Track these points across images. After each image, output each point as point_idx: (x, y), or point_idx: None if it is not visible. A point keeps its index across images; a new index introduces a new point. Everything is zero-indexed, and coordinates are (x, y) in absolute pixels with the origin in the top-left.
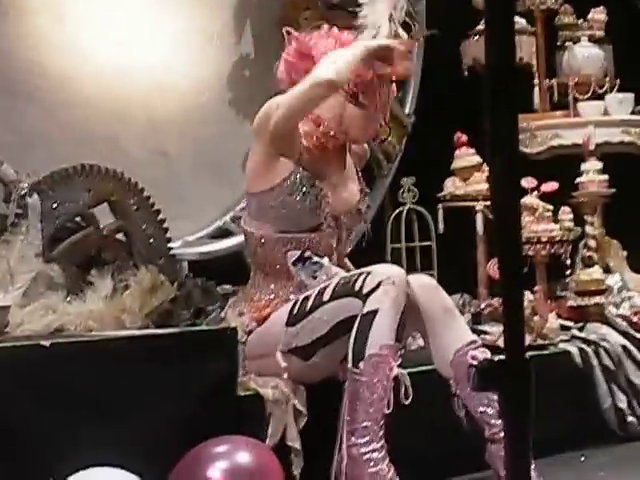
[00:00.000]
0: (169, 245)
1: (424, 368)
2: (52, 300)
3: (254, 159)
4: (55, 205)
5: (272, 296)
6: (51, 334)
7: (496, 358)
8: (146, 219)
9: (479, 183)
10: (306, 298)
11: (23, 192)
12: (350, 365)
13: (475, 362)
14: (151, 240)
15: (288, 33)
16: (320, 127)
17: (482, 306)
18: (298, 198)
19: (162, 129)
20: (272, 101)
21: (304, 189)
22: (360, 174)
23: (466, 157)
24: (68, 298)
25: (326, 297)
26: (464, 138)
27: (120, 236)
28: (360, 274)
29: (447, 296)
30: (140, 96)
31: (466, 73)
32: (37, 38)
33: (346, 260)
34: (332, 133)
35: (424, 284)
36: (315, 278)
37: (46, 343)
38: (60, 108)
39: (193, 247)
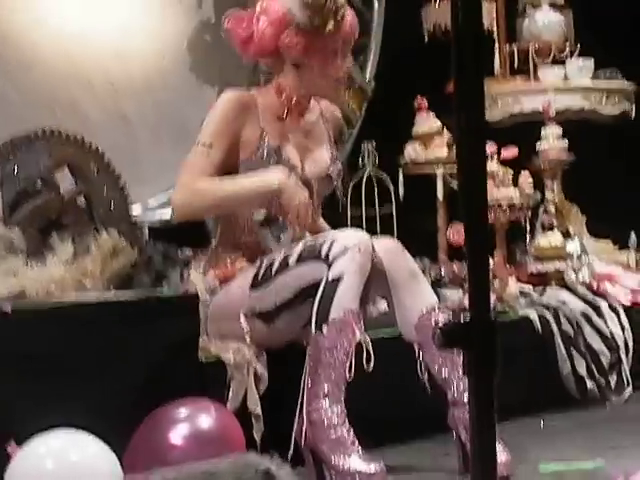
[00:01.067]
0: (130, 210)
1: (386, 334)
2: (13, 264)
3: None
4: (16, 170)
5: (237, 255)
6: (12, 298)
7: (461, 319)
8: (107, 183)
9: (439, 148)
10: (271, 262)
11: None
12: (313, 329)
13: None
14: (112, 204)
15: None
16: (282, 95)
17: (442, 271)
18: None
19: (122, 93)
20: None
21: (271, 161)
22: (332, 140)
23: (427, 122)
24: (29, 262)
25: (291, 261)
26: (425, 103)
27: (81, 201)
28: (326, 239)
29: (412, 260)
30: (100, 60)
31: (427, 38)
32: None
33: (321, 221)
34: (295, 99)
35: (389, 248)
36: (279, 240)
37: (7, 308)
38: (19, 72)
39: (153, 212)
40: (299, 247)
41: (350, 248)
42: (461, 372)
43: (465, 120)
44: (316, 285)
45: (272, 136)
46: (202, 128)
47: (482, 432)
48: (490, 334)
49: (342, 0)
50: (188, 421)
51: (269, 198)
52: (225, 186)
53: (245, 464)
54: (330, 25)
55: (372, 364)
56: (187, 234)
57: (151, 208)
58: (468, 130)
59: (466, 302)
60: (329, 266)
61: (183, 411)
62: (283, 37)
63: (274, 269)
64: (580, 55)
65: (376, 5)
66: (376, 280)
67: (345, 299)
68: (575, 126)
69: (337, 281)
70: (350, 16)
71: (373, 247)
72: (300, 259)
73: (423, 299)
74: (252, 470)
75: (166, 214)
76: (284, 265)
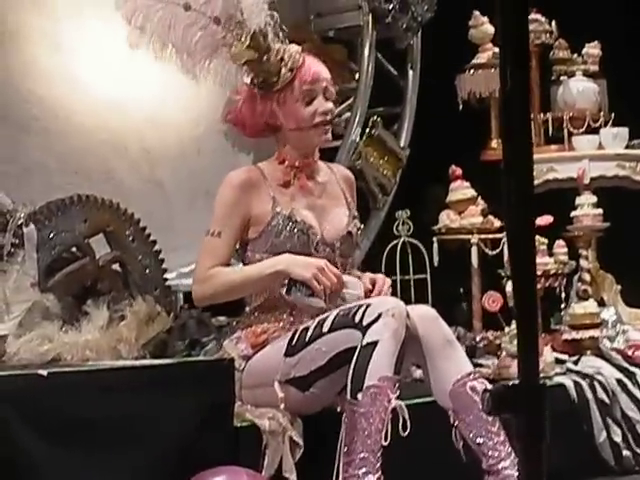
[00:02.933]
0: (165, 276)
1: (422, 400)
2: (48, 330)
3: None
4: (51, 235)
5: (269, 323)
6: (47, 363)
7: (510, 383)
8: (142, 250)
9: (474, 216)
10: (305, 329)
11: (20, 222)
12: (348, 396)
13: (474, 393)
14: (147, 271)
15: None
16: (285, 163)
17: (477, 339)
18: (286, 238)
19: (157, 160)
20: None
21: (288, 227)
22: (349, 199)
23: (461, 190)
24: (64, 328)
25: (325, 328)
26: (459, 171)
27: (116, 267)
28: (360, 306)
29: (447, 327)
30: (135, 127)
31: (461, 106)
32: (35, 68)
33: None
34: (297, 164)
35: (424, 315)
36: (312, 295)
37: (44, 372)
38: (56, 138)
39: (188, 278)
40: (333, 314)
41: (384, 314)
42: (496, 440)
43: (514, 186)
44: (351, 351)
45: (284, 204)
46: (214, 213)
47: None
48: (539, 398)
49: (290, 51)
50: None
51: (280, 279)
52: (233, 276)
53: None
54: (282, 78)
55: (408, 430)
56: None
57: (185, 274)
58: (517, 196)
59: (502, 369)
60: (363, 332)
61: (218, 478)
62: (257, 109)
63: (308, 336)
64: (614, 124)
65: (410, 73)
66: (410, 347)
67: (380, 365)
68: (609, 194)
69: (372, 347)
70: (307, 61)
71: (407, 314)
72: (334, 326)
73: (458, 366)
74: None
75: None
76: (318, 332)
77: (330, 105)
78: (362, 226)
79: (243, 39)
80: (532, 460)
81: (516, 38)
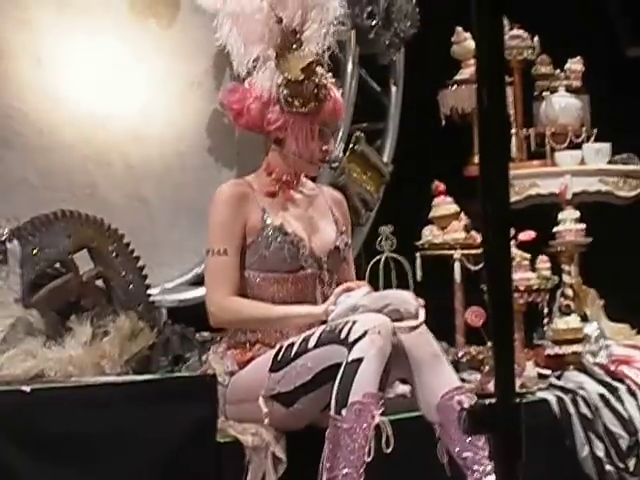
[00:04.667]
0: (148, 292)
1: (405, 415)
2: (31, 345)
3: None
4: (35, 251)
5: (256, 339)
6: (31, 379)
7: (487, 402)
8: (125, 265)
9: (457, 231)
10: (291, 345)
11: (3, 238)
12: (332, 412)
13: (461, 407)
14: (130, 286)
15: None
16: (272, 175)
17: (460, 354)
18: (276, 249)
19: (141, 176)
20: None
21: (278, 239)
22: (337, 216)
23: (444, 206)
24: (47, 344)
25: (311, 344)
26: (442, 187)
27: (99, 282)
28: (346, 322)
29: (434, 341)
30: (119, 142)
31: (443, 122)
32: (17, 84)
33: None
34: (285, 178)
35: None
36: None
37: (27, 388)
38: (40, 154)
39: (172, 294)
40: (319, 330)
41: (370, 331)
42: (481, 454)
43: (489, 203)
44: (336, 368)
45: (273, 215)
46: (208, 232)
47: None
48: (515, 417)
49: (325, 82)
50: None
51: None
52: (259, 313)
53: None
54: (309, 106)
55: (391, 447)
56: (205, 316)
57: (169, 290)
58: (493, 213)
59: (485, 385)
60: (349, 349)
61: None
62: (267, 113)
63: (293, 352)
64: (597, 140)
65: (393, 90)
66: (396, 361)
67: (365, 382)
68: (592, 209)
69: (357, 364)
70: (334, 99)
71: (393, 329)
72: (320, 342)
73: (445, 380)
74: None
75: (185, 296)
76: (304, 348)
77: (332, 146)
78: (350, 241)
79: (299, 56)
80: (509, 478)
81: (493, 56)
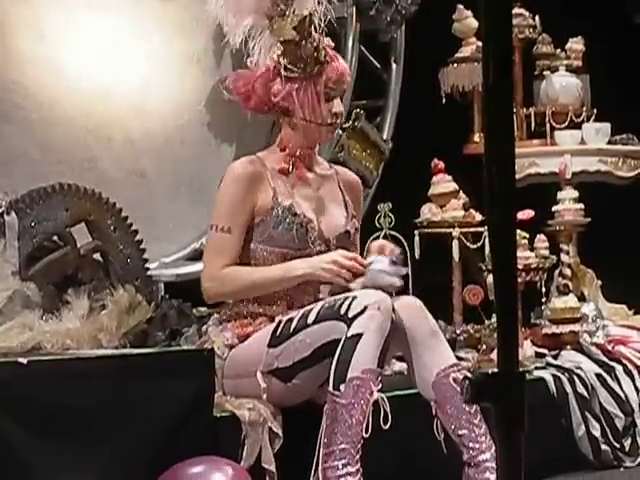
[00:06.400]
0: (146, 266)
1: (401, 393)
2: (28, 318)
3: None
4: (33, 224)
5: (258, 312)
6: (27, 352)
7: (489, 371)
8: (123, 239)
9: (455, 210)
10: (290, 320)
11: (0, 210)
12: (331, 387)
13: (464, 377)
14: (128, 260)
15: None
16: (286, 150)
17: (457, 332)
18: (284, 230)
19: (140, 150)
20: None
21: (287, 220)
22: (347, 200)
23: (443, 184)
24: (44, 317)
25: (310, 319)
26: (441, 165)
27: (97, 256)
28: (346, 298)
29: (432, 318)
30: (118, 116)
31: (444, 100)
32: (18, 57)
33: None
34: (298, 152)
35: (409, 305)
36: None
37: (23, 360)
38: (39, 127)
39: (170, 269)
40: (318, 306)
41: (370, 307)
42: (477, 432)
43: (496, 179)
44: (335, 344)
45: (284, 195)
46: (216, 206)
47: None
48: (518, 387)
49: (324, 43)
50: (203, 479)
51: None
52: (253, 276)
53: None
54: (310, 69)
55: (389, 423)
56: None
57: (167, 264)
58: (498, 191)
59: (482, 363)
60: (348, 325)
61: (197, 469)
62: (271, 87)
63: (292, 327)
64: (597, 119)
65: (394, 67)
66: (394, 338)
67: (364, 358)
68: (591, 189)
69: (356, 340)
70: (337, 60)
71: (393, 306)
72: (319, 317)
73: (442, 357)
74: None
75: (182, 270)
76: (303, 323)
77: (342, 109)
78: (359, 226)
79: (291, 17)
80: (511, 449)
81: (499, 32)
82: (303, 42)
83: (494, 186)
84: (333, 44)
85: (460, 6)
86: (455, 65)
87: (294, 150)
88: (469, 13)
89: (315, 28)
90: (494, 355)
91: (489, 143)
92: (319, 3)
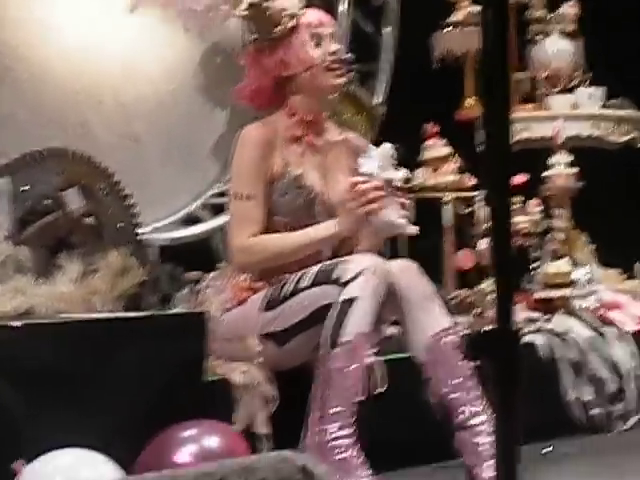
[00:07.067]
0: (138, 230)
1: (393, 356)
2: (21, 283)
3: None
4: (24, 188)
5: (257, 277)
6: (20, 315)
7: (486, 328)
8: (116, 203)
9: (448, 174)
10: (284, 283)
11: None
12: (324, 350)
13: (451, 347)
14: (120, 224)
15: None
16: (295, 116)
17: (449, 297)
18: (291, 198)
19: (132, 113)
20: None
21: (294, 190)
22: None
23: (436, 148)
24: (37, 281)
25: (304, 284)
26: (434, 129)
27: (89, 220)
28: (340, 262)
29: (427, 281)
30: (110, 79)
31: (436, 65)
32: (6, 18)
33: None
34: (308, 117)
35: (405, 268)
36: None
37: (17, 324)
38: (30, 90)
39: (162, 233)
40: (313, 270)
41: (364, 271)
42: (471, 395)
43: (492, 144)
44: (329, 308)
45: (294, 163)
46: (233, 173)
47: (506, 440)
48: (514, 343)
49: (291, 1)
50: (195, 441)
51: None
52: (283, 243)
53: (283, 459)
54: (285, 24)
55: (384, 387)
56: (196, 255)
57: (160, 228)
58: (494, 153)
59: (475, 327)
60: (342, 289)
61: (190, 432)
62: (265, 64)
63: (287, 291)
64: (592, 84)
65: (386, 30)
66: (390, 302)
67: (358, 322)
68: (584, 154)
69: (350, 304)
70: (314, 10)
71: (388, 269)
72: (313, 282)
73: (437, 320)
74: (290, 465)
75: (177, 234)
76: (297, 287)
77: (338, 46)
78: None
79: None
80: (506, 405)
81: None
82: (265, 4)
83: (490, 150)
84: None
85: None
86: (448, 30)
87: (304, 114)
88: None
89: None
90: (486, 319)
91: (486, 108)
92: None
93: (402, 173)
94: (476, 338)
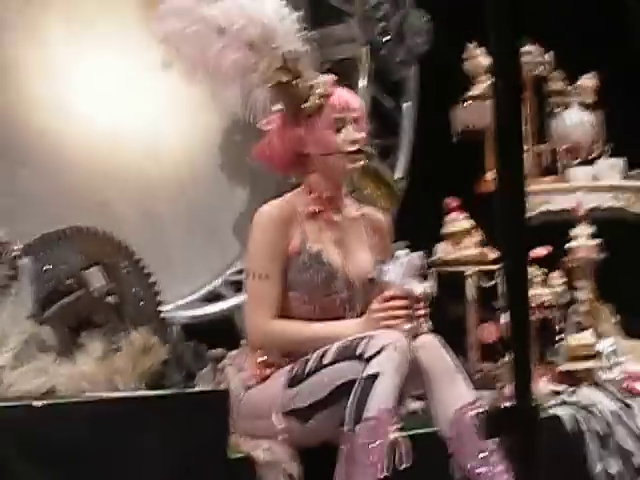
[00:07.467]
0: (160, 308)
1: (418, 432)
2: (43, 362)
3: None
4: (47, 267)
5: (278, 356)
6: (42, 395)
7: (505, 405)
8: (137, 282)
9: (469, 248)
10: (306, 360)
11: (15, 254)
12: (347, 427)
13: (478, 413)
14: (142, 303)
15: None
16: (313, 193)
17: (473, 370)
18: (309, 276)
19: (154, 192)
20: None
21: (315, 266)
22: (373, 243)
23: (456, 222)
24: (59, 360)
25: (327, 360)
26: (455, 203)
27: (111, 299)
28: (362, 338)
29: (451, 355)
30: (132, 160)
31: (456, 139)
32: (32, 100)
33: None
34: (325, 194)
35: (429, 343)
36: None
37: (38, 404)
38: (53, 171)
39: (184, 310)
40: (334, 346)
41: (387, 347)
42: (495, 470)
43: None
44: (351, 384)
45: (312, 240)
46: (249, 253)
47: None
48: (533, 419)
49: (323, 79)
50: None
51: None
52: (302, 333)
53: None
54: (312, 102)
55: (408, 464)
56: (217, 333)
57: (182, 306)
58: (509, 229)
59: (499, 402)
60: (365, 365)
61: None
62: (287, 135)
63: (309, 367)
64: (612, 155)
65: (406, 106)
66: (412, 377)
67: (381, 398)
68: (605, 225)
69: (373, 380)
70: (342, 91)
71: (411, 345)
72: (336, 357)
73: (460, 394)
74: None
75: (198, 312)
76: (319, 363)
77: (359, 135)
78: None
79: (275, 61)
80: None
81: (508, 70)
82: (295, 82)
83: (505, 225)
84: (335, 78)
85: (470, 45)
86: (466, 104)
87: (321, 192)
88: (479, 52)
89: (304, 67)
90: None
91: (500, 182)
92: (305, 44)
93: (424, 287)
94: (494, 415)
